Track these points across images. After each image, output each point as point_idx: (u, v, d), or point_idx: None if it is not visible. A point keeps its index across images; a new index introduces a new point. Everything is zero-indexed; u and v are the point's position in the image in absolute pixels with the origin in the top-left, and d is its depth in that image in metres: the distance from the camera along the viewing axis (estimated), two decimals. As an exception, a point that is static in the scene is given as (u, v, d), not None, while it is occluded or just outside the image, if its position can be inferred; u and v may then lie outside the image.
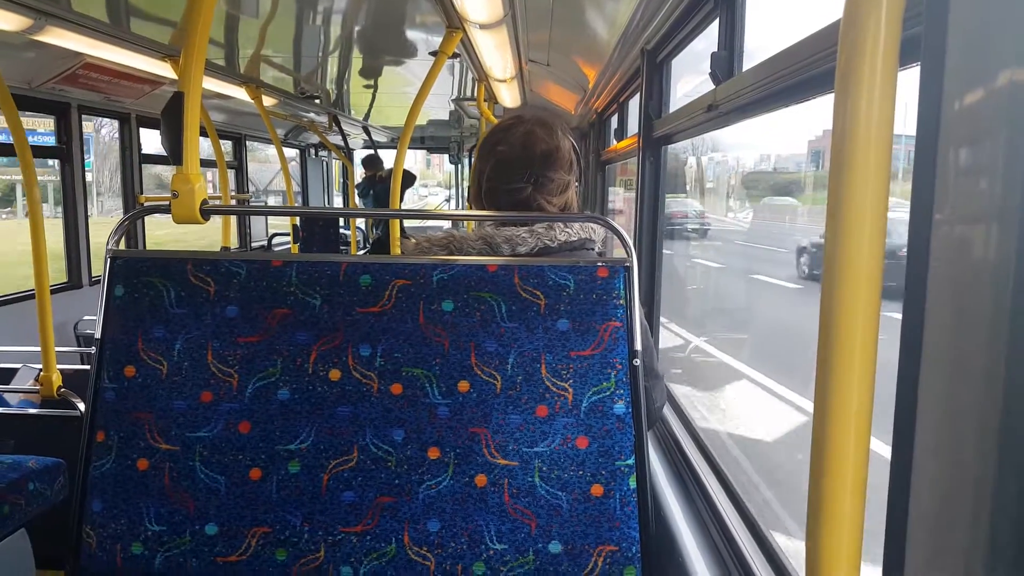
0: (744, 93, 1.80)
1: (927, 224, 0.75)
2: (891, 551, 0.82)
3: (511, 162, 1.73)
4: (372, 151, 9.62)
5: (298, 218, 7.33)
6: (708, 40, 2.33)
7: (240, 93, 5.62)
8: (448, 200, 15.26)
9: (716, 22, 2.18)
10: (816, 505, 0.68)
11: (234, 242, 7.16)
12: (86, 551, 1.48)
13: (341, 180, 12.20)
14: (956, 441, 0.72)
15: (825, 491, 0.67)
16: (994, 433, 0.67)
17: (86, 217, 5.40)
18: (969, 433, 0.70)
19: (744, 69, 1.98)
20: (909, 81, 0.77)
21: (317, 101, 6.92)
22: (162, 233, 11.86)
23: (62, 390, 3.05)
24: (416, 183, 12.58)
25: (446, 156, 11.98)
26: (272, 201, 15.81)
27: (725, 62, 2.07)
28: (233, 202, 7.68)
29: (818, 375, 0.67)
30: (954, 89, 0.72)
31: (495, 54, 4.09)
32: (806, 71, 1.40)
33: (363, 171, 9.74)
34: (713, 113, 2.09)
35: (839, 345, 0.65)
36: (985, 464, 0.68)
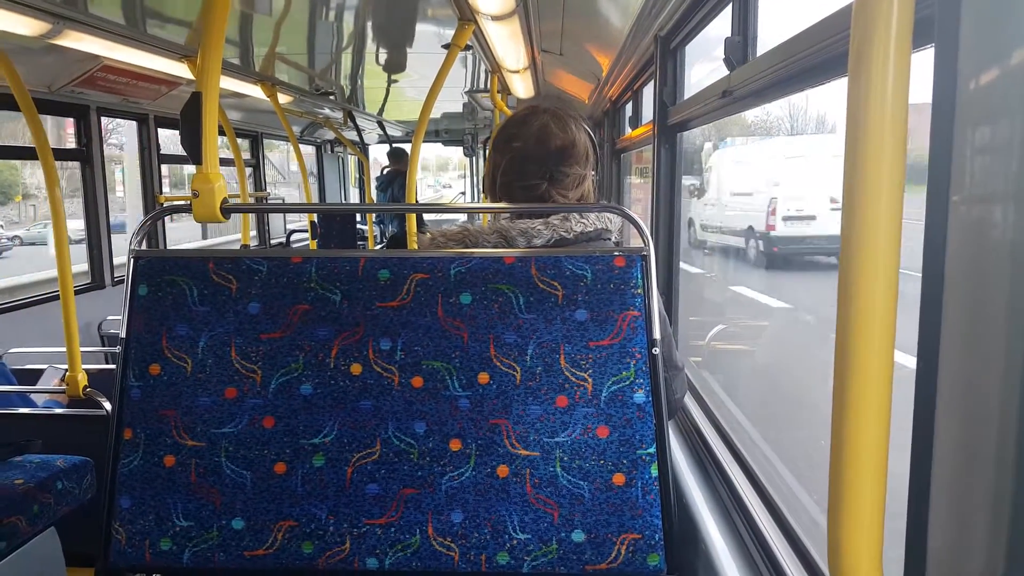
0: (759, 78, 1.79)
1: (944, 206, 0.75)
2: (912, 536, 0.82)
3: (526, 158, 1.72)
4: (399, 145, 9.59)
5: (316, 214, 7.36)
6: (720, 26, 2.32)
7: (256, 91, 5.65)
8: (463, 193, 15.26)
9: (729, 7, 2.17)
10: (837, 495, 0.68)
11: (253, 239, 7.21)
12: (115, 547, 1.51)
13: (357, 175, 12.23)
14: (977, 420, 0.72)
15: (846, 480, 0.67)
16: (1014, 414, 0.67)
17: (107, 218, 5.45)
18: (990, 414, 0.70)
19: (758, 54, 1.97)
20: (923, 63, 0.77)
21: (332, 97, 6.94)
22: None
23: (88, 390, 3.08)
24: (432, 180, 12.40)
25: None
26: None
27: (739, 47, 2.05)
28: (252, 200, 7.73)
29: (837, 359, 0.67)
30: (968, 70, 0.71)
31: (508, 45, 4.09)
32: (821, 54, 1.39)
33: (387, 164, 9.66)
34: (728, 99, 2.08)
35: (857, 329, 0.65)
36: (1006, 446, 0.68)
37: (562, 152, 1.72)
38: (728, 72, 2.08)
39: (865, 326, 0.65)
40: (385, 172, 9.61)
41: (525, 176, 1.72)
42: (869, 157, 0.64)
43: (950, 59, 0.73)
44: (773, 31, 1.88)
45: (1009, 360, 0.68)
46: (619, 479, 1.45)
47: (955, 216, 0.74)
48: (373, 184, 9.33)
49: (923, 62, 0.77)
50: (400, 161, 9.19)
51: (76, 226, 5.32)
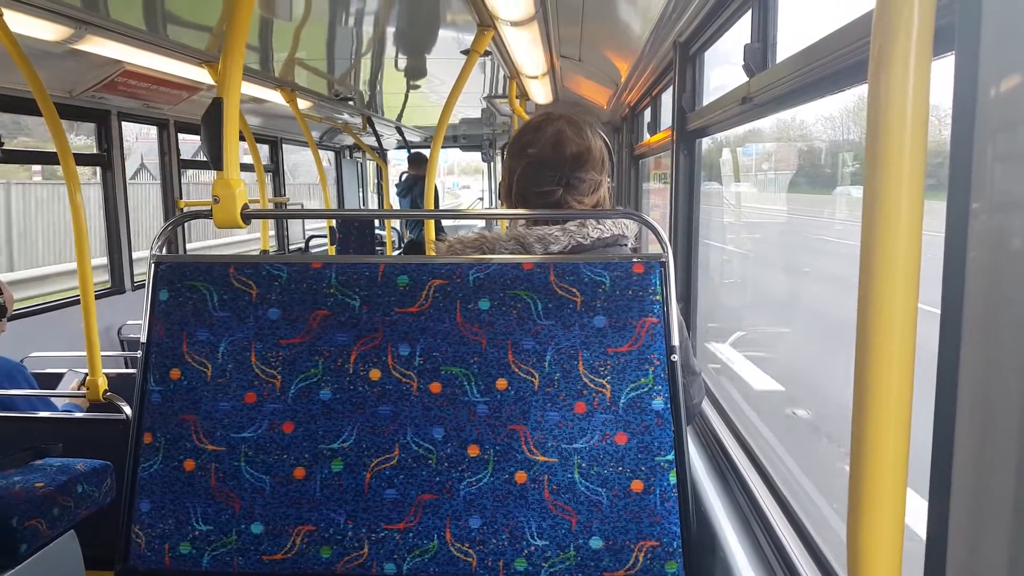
0: (778, 85, 1.79)
1: (964, 215, 0.74)
2: (933, 547, 0.81)
3: (541, 165, 1.72)
4: (418, 150, 9.61)
5: (334, 220, 7.39)
6: (739, 32, 2.31)
7: (275, 97, 5.68)
8: (481, 199, 15.27)
9: (749, 13, 2.16)
10: (857, 502, 0.68)
11: (272, 244, 7.24)
12: (135, 551, 1.51)
13: (376, 181, 12.28)
14: (997, 428, 0.71)
15: (866, 488, 0.67)
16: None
17: (128, 223, 5.49)
18: (1010, 421, 0.69)
19: (778, 61, 1.97)
20: (943, 71, 0.77)
21: (351, 103, 6.97)
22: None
23: (108, 394, 3.11)
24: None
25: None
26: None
27: (759, 54, 2.05)
28: (271, 206, 7.77)
29: (856, 370, 0.67)
30: (989, 78, 0.71)
31: (527, 51, 4.09)
32: (841, 61, 1.38)
33: (408, 169, 9.67)
34: (747, 105, 2.08)
35: (877, 340, 0.65)
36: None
37: (577, 158, 1.72)
38: (747, 79, 2.08)
39: (885, 336, 0.65)
40: (404, 177, 9.63)
41: (541, 183, 1.72)
42: (890, 164, 0.64)
43: (971, 66, 0.73)
44: (793, 38, 1.88)
45: None
46: (637, 486, 1.45)
47: (975, 224, 0.74)
48: (392, 190, 9.35)
49: (943, 70, 0.77)
50: (420, 166, 9.20)
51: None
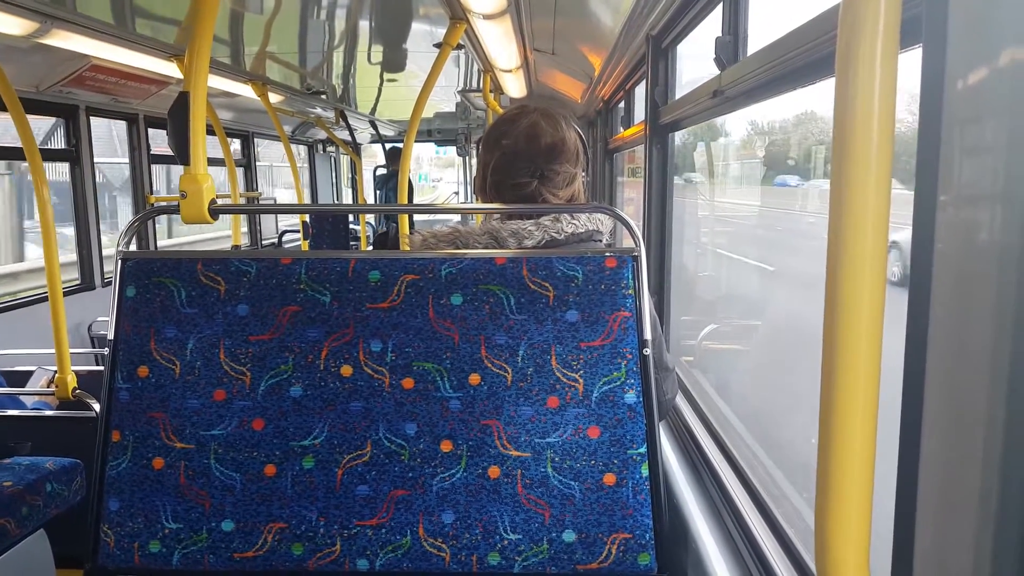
0: (749, 78, 1.79)
1: (931, 207, 0.75)
2: (900, 535, 0.82)
3: (516, 156, 1.72)
4: (396, 145, 9.56)
5: (308, 215, 7.34)
6: (712, 25, 2.32)
7: (247, 90, 5.63)
8: (456, 193, 15.26)
9: (720, 7, 2.17)
10: (824, 492, 0.68)
11: (244, 240, 7.18)
12: (104, 550, 1.50)
13: (349, 175, 12.21)
14: (964, 420, 0.72)
15: (833, 478, 0.67)
16: (1001, 415, 0.67)
17: (97, 219, 5.42)
18: (977, 414, 0.70)
19: (748, 54, 1.97)
20: (910, 63, 0.77)
21: (323, 96, 6.92)
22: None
23: (77, 391, 3.07)
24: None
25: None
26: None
27: (730, 47, 2.05)
28: (242, 201, 7.70)
29: (824, 359, 0.67)
30: (956, 70, 0.71)
31: (500, 44, 4.08)
32: (810, 54, 1.39)
33: (388, 164, 9.59)
34: (719, 99, 2.08)
35: (844, 331, 0.65)
36: (993, 445, 0.68)
37: (552, 150, 1.71)
38: (719, 72, 2.08)
39: (852, 329, 0.65)
40: (382, 171, 9.58)
41: (515, 174, 1.71)
42: (856, 157, 0.64)
43: (938, 59, 0.73)
44: (765, 30, 1.88)
45: (996, 360, 0.67)
46: (610, 479, 1.45)
47: (943, 216, 0.74)
48: (367, 183, 9.29)
49: (910, 62, 0.77)
50: (397, 161, 9.16)
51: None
